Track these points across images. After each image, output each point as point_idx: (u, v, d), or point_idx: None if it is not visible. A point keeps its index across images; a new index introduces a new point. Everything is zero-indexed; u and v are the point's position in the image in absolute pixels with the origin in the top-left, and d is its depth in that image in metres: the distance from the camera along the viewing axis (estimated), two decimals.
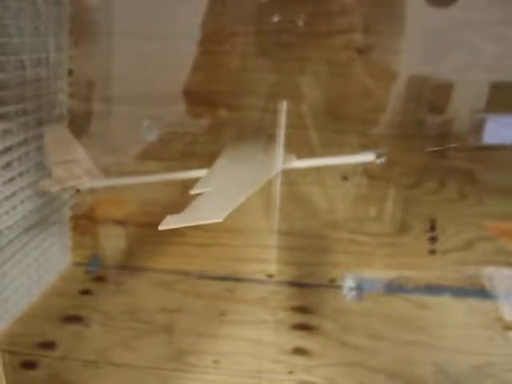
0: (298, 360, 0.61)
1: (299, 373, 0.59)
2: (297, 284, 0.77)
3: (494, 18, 0.62)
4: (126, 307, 0.70)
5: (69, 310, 0.68)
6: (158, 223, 0.46)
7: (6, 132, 0.58)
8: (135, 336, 0.64)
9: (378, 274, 0.75)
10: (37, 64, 0.64)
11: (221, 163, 0.58)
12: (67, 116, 0.72)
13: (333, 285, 0.76)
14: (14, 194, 0.62)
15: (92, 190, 0.74)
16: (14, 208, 0.62)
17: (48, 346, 0.62)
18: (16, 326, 0.64)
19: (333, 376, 0.58)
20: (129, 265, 0.79)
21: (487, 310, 0.70)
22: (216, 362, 0.60)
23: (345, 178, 0.72)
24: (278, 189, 0.59)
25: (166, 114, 0.71)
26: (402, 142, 0.69)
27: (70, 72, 0.71)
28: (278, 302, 0.73)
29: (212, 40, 0.68)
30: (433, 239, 0.73)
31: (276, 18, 0.65)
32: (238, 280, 0.78)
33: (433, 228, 0.73)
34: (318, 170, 0.71)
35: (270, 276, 0.78)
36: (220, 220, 0.45)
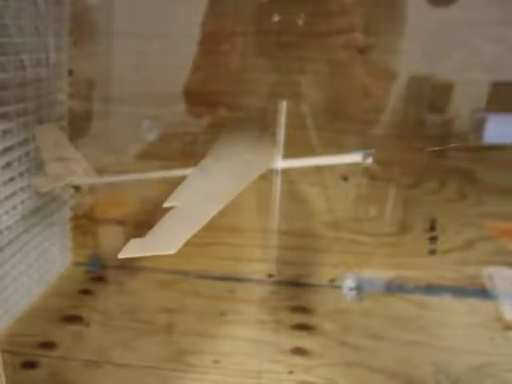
0: (298, 360, 0.61)
1: (299, 373, 0.59)
2: (297, 284, 0.77)
3: (494, 17, 0.62)
4: (126, 307, 0.70)
5: (69, 310, 0.68)
6: None
7: (6, 132, 0.58)
8: (135, 336, 0.64)
9: (378, 274, 0.75)
10: (37, 64, 0.64)
11: (204, 164, 0.56)
12: (67, 116, 0.72)
13: (333, 285, 0.76)
14: (13, 193, 0.62)
15: (92, 190, 0.74)
16: (14, 208, 0.62)
17: (48, 345, 0.62)
18: (16, 326, 0.64)
19: (333, 376, 0.58)
20: (129, 265, 0.79)
21: (487, 309, 0.70)
22: (216, 361, 0.60)
23: (345, 178, 0.72)
24: (277, 189, 0.59)
25: (166, 114, 0.71)
26: (402, 142, 0.69)
27: (70, 72, 0.71)
28: (277, 301, 0.73)
29: (212, 40, 0.68)
30: (433, 239, 0.73)
31: (276, 18, 0.65)
32: (238, 280, 0.78)
33: (433, 228, 0.73)
34: (318, 169, 0.71)
35: (270, 276, 0.78)
36: (172, 252, 0.44)
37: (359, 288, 0.73)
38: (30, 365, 0.58)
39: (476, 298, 0.72)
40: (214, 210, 0.46)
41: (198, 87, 0.70)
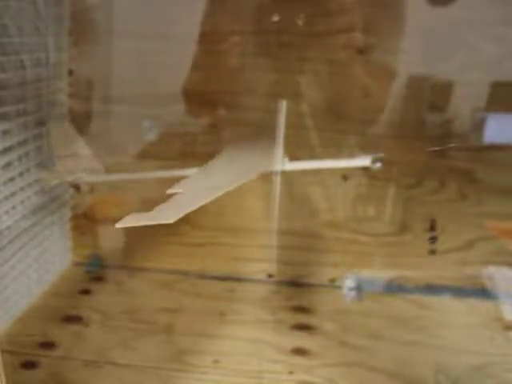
0: (298, 360, 0.61)
1: (299, 373, 0.59)
2: (297, 284, 0.77)
3: (494, 17, 0.62)
4: (126, 307, 0.70)
5: (69, 310, 0.68)
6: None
7: (6, 132, 0.58)
8: (135, 336, 0.64)
9: (378, 274, 0.75)
10: (37, 64, 0.64)
11: (212, 163, 0.58)
12: (67, 116, 0.72)
13: (333, 285, 0.76)
14: (13, 193, 0.62)
15: (92, 190, 0.74)
16: (13, 208, 0.62)
17: (48, 345, 0.61)
18: (16, 326, 0.64)
19: (333, 376, 0.58)
20: (129, 265, 0.79)
21: (487, 309, 0.70)
22: (216, 361, 0.60)
23: (345, 178, 0.72)
24: (277, 188, 0.59)
25: (166, 114, 0.71)
26: (402, 142, 0.69)
27: (70, 72, 0.71)
28: (277, 301, 0.73)
29: (212, 39, 0.68)
30: (433, 239, 0.73)
31: (276, 18, 0.65)
32: (238, 280, 0.78)
33: (433, 228, 0.72)
34: (319, 169, 0.71)
35: (270, 276, 0.78)
36: (170, 222, 0.45)
37: (359, 288, 0.73)
38: (29, 365, 0.58)
39: (476, 298, 0.72)
40: (213, 194, 0.49)
41: (197, 87, 0.70)
